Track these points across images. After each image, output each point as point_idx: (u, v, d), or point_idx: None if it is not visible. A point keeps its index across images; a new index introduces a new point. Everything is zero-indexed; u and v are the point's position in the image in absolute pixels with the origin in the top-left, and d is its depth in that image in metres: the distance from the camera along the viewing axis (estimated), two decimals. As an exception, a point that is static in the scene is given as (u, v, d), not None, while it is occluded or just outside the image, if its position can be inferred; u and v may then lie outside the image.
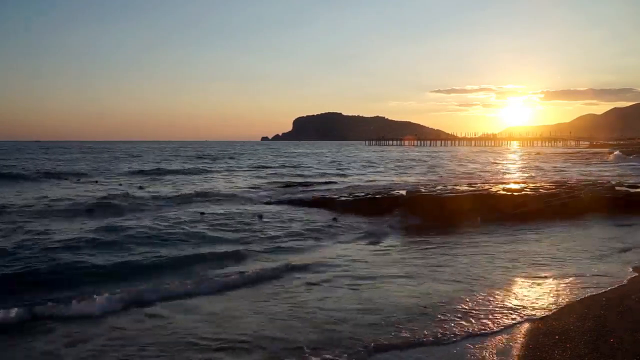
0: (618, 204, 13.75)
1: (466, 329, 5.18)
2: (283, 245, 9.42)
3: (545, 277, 7.19)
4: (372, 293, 6.47)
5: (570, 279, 7.08)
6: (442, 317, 5.49)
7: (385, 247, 9.58)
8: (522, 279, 7.11)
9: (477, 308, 5.82)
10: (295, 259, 8.21)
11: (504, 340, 4.86)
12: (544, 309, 5.74)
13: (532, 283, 6.91)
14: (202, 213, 12.24)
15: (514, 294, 6.43)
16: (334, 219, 12.04)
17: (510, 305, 5.91)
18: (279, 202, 15.08)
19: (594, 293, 6.30)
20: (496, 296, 6.28)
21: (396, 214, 12.58)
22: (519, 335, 4.97)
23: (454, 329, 5.18)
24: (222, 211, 12.92)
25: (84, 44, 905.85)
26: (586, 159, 46.84)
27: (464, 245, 9.64)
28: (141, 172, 28.08)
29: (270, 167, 34.72)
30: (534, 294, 6.38)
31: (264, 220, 11.72)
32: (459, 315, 5.57)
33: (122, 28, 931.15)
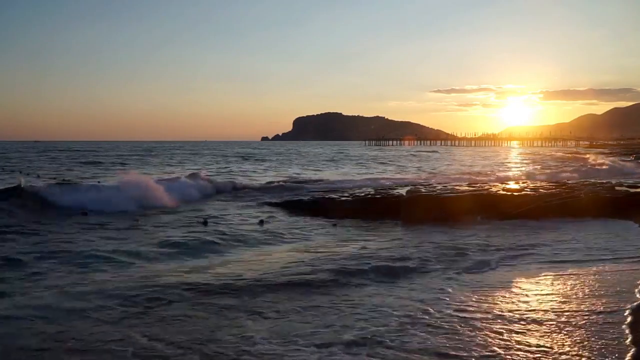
0: (618, 203, 13.76)
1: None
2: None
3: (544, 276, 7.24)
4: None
5: (570, 276, 7.13)
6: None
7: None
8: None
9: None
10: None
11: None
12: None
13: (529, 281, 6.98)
14: None
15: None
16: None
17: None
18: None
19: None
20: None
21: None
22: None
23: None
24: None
25: (86, 44, 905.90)
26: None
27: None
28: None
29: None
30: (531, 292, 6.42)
31: None
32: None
33: (123, 28, 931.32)
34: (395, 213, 12.98)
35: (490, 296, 6.23)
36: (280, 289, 6.42)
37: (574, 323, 5.19)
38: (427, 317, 5.41)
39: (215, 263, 7.97)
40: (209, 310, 5.68)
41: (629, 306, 5.60)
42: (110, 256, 8.16)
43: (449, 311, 5.60)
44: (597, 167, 30.86)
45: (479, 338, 4.83)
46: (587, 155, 50.01)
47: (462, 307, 5.75)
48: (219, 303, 5.89)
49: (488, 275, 7.36)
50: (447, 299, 6.07)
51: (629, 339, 4.68)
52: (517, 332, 4.97)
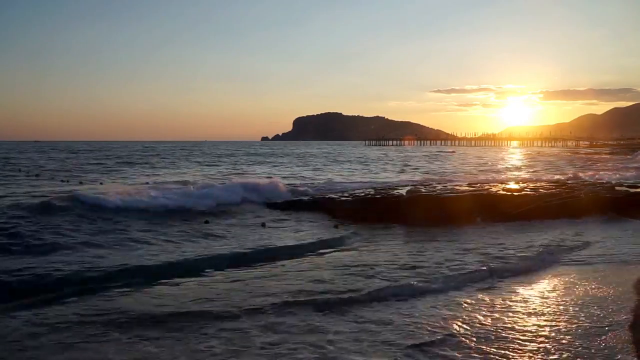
0: (618, 203, 13.75)
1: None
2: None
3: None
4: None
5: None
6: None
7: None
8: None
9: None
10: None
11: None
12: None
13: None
14: None
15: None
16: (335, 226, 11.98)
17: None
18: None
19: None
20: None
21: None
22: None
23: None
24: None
25: (86, 44, 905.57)
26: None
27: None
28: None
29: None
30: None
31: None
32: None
33: (123, 28, 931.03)
34: (395, 213, 12.93)
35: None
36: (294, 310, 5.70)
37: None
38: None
39: (209, 278, 7.29)
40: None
41: None
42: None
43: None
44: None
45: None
46: (607, 155, 49.78)
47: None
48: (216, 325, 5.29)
49: (537, 279, 7.16)
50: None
51: None
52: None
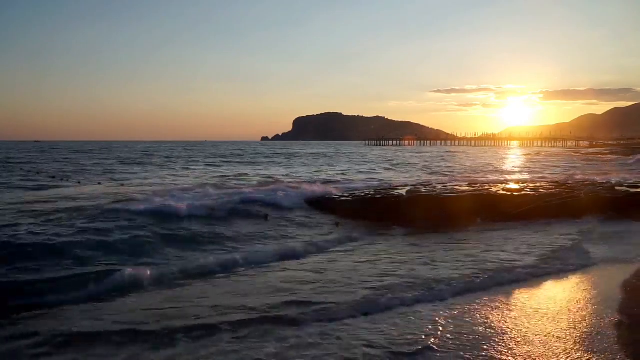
0: (618, 203, 13.76)
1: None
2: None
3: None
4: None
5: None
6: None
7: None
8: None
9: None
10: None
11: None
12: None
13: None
14: None
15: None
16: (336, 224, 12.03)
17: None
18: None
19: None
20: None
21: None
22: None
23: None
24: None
25: (86, 44, 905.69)
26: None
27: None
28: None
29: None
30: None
31: None
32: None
33: (123, 28, 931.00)
34: (395, 213, 12.91)
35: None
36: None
37: None
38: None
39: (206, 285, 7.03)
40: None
41: None
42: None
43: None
44: None
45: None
46: (608, 155, 49.57)
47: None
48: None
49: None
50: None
51: None
52: None
